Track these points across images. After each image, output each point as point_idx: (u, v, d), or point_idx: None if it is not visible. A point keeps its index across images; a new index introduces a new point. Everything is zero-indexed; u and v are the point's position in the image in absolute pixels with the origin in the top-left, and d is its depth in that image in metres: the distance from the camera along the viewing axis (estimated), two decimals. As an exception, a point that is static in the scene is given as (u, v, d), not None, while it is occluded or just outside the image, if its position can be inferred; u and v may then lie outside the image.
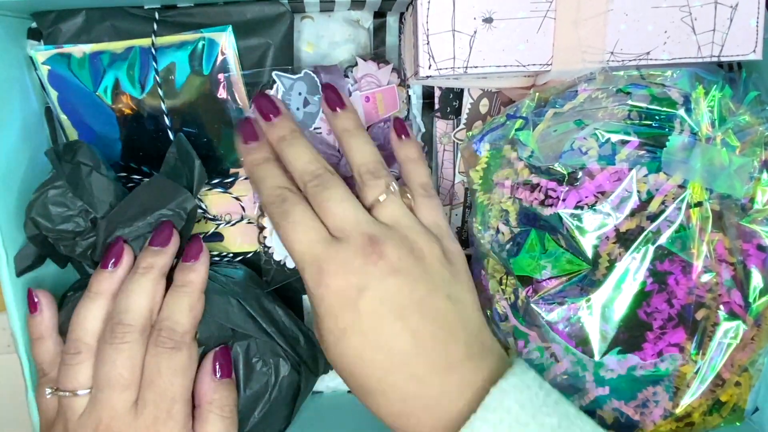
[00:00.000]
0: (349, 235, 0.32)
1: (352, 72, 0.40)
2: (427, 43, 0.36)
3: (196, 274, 0.34)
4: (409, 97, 0.42)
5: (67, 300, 0.36)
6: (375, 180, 0.34)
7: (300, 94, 0.39)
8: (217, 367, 0.33)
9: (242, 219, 0.41)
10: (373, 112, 0.41)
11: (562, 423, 0.28)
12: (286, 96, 0.39)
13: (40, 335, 0.34)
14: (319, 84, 0.39)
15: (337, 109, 0.36)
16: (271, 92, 0.38)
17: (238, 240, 0.42)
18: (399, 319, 0.30)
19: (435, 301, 0.31)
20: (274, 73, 0.38)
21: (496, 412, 0.27)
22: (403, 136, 0.38)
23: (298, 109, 0.39)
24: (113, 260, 0.33)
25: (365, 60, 0.40)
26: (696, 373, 0.36)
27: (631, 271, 0.35)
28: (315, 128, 0.40)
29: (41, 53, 0.36)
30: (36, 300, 0.34)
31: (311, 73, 0.39)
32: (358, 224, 0.32)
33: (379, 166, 0.35)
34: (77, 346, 0.32)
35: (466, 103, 0.43)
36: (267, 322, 0.36)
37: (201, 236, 0.36)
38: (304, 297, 0.45)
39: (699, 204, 0.35)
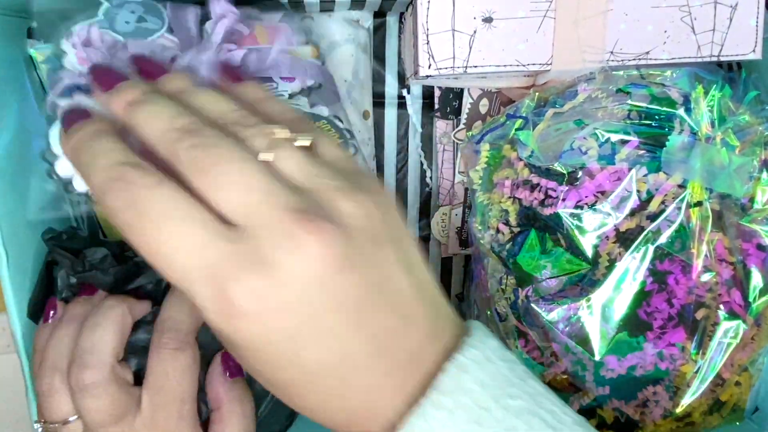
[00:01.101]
0: (259, 215, 0.20)
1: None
2: (427, 43, 0.36)
3: None
4: (322, 56, 0.35)
5: None
6: (249, 129, 0.22)
7: (133, 12, 0.32)
8: (228, 367, 0.32)
9: None
10: (248, 41, 0.33)
11: (529, 405, 0.22)
12: (112, 10, 0.32)
13: (43, 347, 0.33)
14: (163, 12, 0.32)
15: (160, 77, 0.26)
16: (98, 14, 0.31)
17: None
18: (353, 331, 0.21)
19: (390, 282, 0.22)
20: None
21: (453, 395, 0.21)
22: (239, 81, 0.27)
23: (127, 22, 0.31)
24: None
25: None
26: (696, 372, 0.36)
27: (631, 271, 0.35)
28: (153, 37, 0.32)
29: (40, 52, 0.36)
30: (53, 312, 0.33)
31: (153, 1, 0.33)
32: (271, 194, 0.20)
33: (245, 112, 0.24)
34: (52, 374, 0.30)
35: (466, 103, 0.43)
36: None
37: None
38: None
39: (699, 204, 0.35)
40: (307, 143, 0.23)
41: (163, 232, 0.20)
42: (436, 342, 0.23)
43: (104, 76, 0.25)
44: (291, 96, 0.33)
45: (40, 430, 0.32)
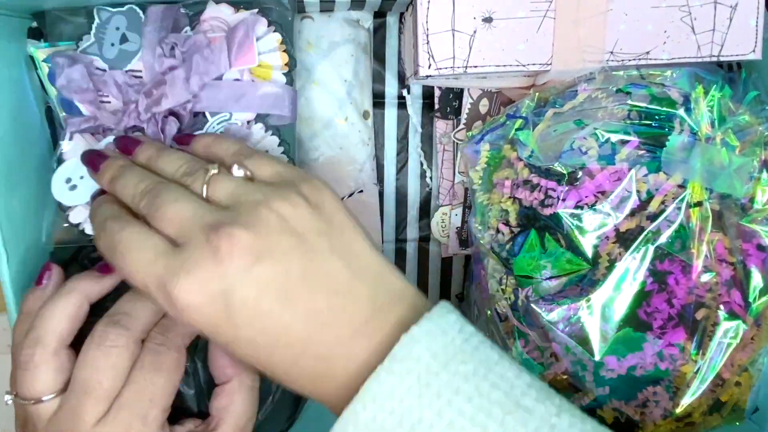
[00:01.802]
0: (189, 234, 0.26)
1: (197, 16, 0.36)
2: (427, 43, 0.36)
3: None
4: (293, 61, 0.37)
5: None
6: (192, 176, 0.30)
7: (118, 29, 0.35)
8: None
9: None
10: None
11: (478, 370, 0.25)
12: (100, 30, 0.35)
13: (29, 311, 0.31)
14: (142, 18, 0.36)
15: (133, 151, 0.33)
16: (89, 35, 0.36)
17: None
18: (285, 308, 0.26)
19: (320, 267, 0.27)
20: (96, 7, 0.35)
21: (404, 362, 0.25)
22: (191, 141, 0.33)
23: (113, 45, 0.35)
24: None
25: (217, 2, 0.36)
26: (696, 372, 0.36)
27: (631, 271, 0.35)
28: (129, 70, 0.36)
29: (41, 51, 0.36)
30: (48, 274, 0.33)
31: (136, 8, 0.36)
32: (195, 217, 0.27)
33: (191, 161, 0.31)
34: (34, 345, 0.29)
35: (466, 103, 0.43)
36: None
37: None
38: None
39: (699, 204, 0.35)
40: (240, 174, 0.29)
41: (127, 259, 0.27)
42: (383, 316, 0.27)
43: (92, 161, 0.33)
44: (248, 123, 0.37)
45: (9, 402, 0.30)
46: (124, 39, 0.36)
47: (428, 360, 0.25)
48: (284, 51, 0.36)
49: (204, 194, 0.29)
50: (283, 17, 0.36)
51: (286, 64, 0.36)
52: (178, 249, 0.26)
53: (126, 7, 0.36)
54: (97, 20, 0.36)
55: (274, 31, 0.36)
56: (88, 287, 0.31)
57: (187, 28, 0.36)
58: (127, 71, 0.36)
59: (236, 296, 0.25)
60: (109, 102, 0.37)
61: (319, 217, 0.28)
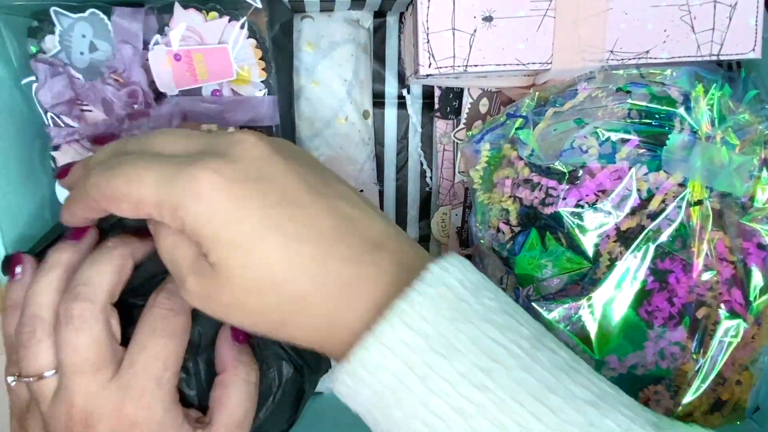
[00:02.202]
0: (205, 139, 0.27)
1: (167, 20, 0.35)
2: (427, 42, 0.36)
3: None
4: (270, 66, 0.36)
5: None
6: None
7: (84, 36, 0.35)
8: (235, 331, 0.32)
9: None
10: (187, 76, 0.36)
11: (504, 308, 0.25)
12: (65, 37, 0.34)
13: (15, 304, 0.31)
14: (109, 26, 0.34)
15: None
16: (54, 37, 0.34)
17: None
18: (312, 195, 0.26)
19: (332, 182, 0.28)
20: (52, 9, 0.34)
21: (436, 287, 0.24)
22: None
23: (82, 53, 0.35)
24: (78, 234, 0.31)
25: (186, 8, 0.35)
26: (697, 371, 0.36)
27: (631, 270, 0.35)
28: (109, 76, 0.35)
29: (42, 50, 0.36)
30: (19, 265, 0.31)
31: (99, 13, 0.34)
32: (204, 135, 0.28)
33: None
34: (33, 322, 0.29)
35: (466, 102, 0.43)
36: None
37: None
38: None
39: (699, 202, 0.35)
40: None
41: (132, 175, 0.26)
42: (401, 238, 0.27)
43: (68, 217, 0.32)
44: None
45: (13, 384, 0.30)
46: (93, 47, 0.35)
47: (459, 289, 0.25)
48: (261, 58, 0.36)
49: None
50: (256, 19, 0.36)
51: (263, 70, 0.36)
52: (193, 153, 0.26)
53: (87, 12, 0.35)
54: (59, 27, 0.35)
55: (248, 37, 0.36)
56: (69, 258, 0.30)
57: (157, 36, 0.35)
58: (105, 81, 0.35)
59: (263, 173, 0.25)
60: (91, 111, 0.36)
61: (297, 157, 0.29)
